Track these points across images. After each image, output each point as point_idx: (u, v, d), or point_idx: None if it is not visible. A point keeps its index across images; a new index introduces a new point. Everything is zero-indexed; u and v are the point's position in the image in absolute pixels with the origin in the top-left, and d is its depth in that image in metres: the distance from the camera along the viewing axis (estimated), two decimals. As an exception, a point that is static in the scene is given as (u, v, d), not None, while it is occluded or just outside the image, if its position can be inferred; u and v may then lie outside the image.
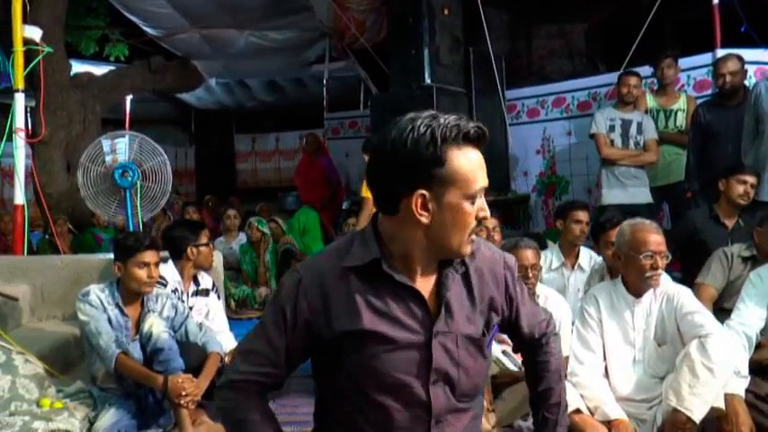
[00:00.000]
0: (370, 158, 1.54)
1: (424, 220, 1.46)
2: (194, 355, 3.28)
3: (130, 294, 3.25)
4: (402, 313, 1.51)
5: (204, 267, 3.96)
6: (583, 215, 4.10)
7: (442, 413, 1.56)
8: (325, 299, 1.51)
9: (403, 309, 1.52)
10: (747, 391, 2.55)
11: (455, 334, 1.56)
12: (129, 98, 9.55)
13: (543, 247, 4.48)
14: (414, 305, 1.53)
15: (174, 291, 3.72)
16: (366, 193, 4.52)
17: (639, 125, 5.25)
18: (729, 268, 3.38)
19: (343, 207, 7.67)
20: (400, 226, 1.50)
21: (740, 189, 3.93)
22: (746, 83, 4.97)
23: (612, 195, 5.07)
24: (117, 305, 3.21)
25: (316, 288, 1.51)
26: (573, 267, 4.13)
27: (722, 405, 2.49)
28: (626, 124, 5.26)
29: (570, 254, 4.17)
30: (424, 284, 1.56)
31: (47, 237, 6.73)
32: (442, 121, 1.44)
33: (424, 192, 1.44)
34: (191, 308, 3.66)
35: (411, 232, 1.49)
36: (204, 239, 3.92)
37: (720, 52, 5.17)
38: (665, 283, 2.85)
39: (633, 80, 5.29)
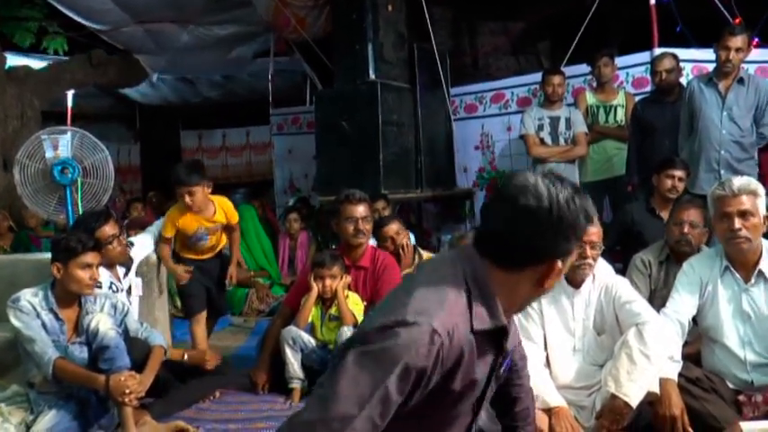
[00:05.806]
0: (520, 212, 1.41)
1: (548, 285, 1.48)
2: (138, 351, 3.20)
3: (68, 297, 3.12)
4: (483, 361, 1.52)
5: (116, 262, 3.76)
6: None
7: None
8: (458, 360, 1.42)
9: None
10: (679, 375, 2.64)
11: None
12: (70, 93, 9.25)
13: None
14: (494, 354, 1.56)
15: (110, 286, 3.63)
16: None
17: (568, 120, 5.36)
18: (650, 275, 3.47)
19: (289, 204, 7.61)
20: (517, 282, 1.47)
21: (668, 183, 4.08)
22: (684, 80, 5.13)
23: None
24: (51, 310, 3.07)
25: (455, 350, 1.40)
26: None
27: (657, 389, 2.57)
28: (554, 121, 5.38)
29: None
30: None
31: (-14, 237, 6.52)
32: (581, 195, 1.45)
33: (564, 260, 1.45)
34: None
35: (524, 290, 1.49)
36: (108, 230, 3.64)
37: (658, 51, 5.30)
38: (605, 273, 2.92)
39: (557, 79, 5.41)
